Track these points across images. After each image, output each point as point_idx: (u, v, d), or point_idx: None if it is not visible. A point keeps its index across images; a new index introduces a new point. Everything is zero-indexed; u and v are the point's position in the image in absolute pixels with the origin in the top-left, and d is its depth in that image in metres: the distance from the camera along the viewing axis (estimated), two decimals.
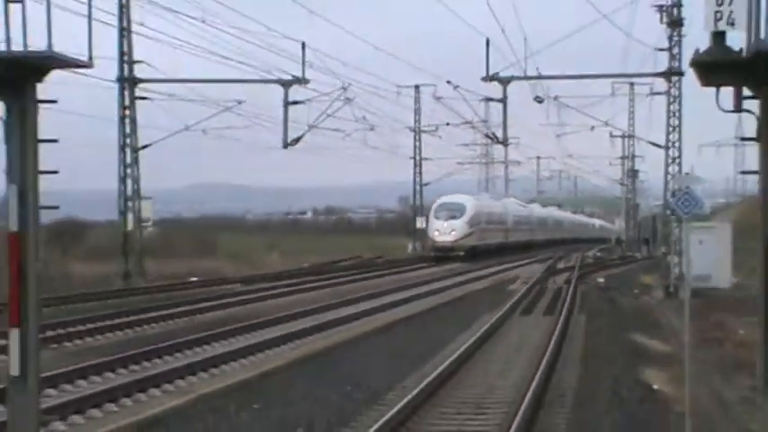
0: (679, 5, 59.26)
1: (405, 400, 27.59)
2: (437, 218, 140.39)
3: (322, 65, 68.70)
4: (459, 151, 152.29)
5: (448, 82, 75.86)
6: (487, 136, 77.02)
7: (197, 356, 37.58)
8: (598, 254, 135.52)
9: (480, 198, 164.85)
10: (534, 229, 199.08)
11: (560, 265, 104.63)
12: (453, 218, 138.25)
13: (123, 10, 61.31)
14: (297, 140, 62.21)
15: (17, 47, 15.78)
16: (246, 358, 38.29)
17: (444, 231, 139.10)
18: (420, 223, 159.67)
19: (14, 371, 16.75)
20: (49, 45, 16.19)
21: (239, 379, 33.51)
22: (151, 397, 30.51)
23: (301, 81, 60.80)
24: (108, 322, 49.88)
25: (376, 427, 24.26)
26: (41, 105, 16.78)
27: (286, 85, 60.57)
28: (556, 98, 69.26)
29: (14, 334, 16.62)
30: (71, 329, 45.61)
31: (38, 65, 16.46)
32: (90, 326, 47.70)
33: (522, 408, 26.44)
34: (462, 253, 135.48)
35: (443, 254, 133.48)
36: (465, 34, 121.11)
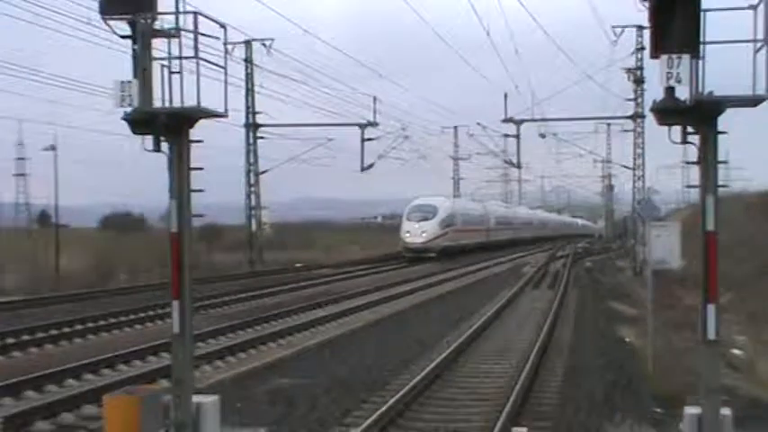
0: (641, 68, 59.24)
1: (455, 345, 27.67)
2: (409, 219, 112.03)
3: (388, 112, 69.42)
4: (486, 173, 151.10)
5: (478, 123, 76.80)
6: (506, 162, 76.95)
7: (300, 320, 37.63)
8: (586, 245, 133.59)
9: (456, 200, 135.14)
10: (519, 228, 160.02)
11: (559, 254, 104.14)
12: (425, 219, 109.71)
13: (248, 77, 61.50)
14: (370, 166, 62.41)
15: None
16: (336, 321, 38.26)
17: (415, 233, 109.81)
18: None
19: (176, 329, 16.86)
20: (198, 102, 16.28)
21: (331, 336, 33.54)
22: (270, 348, 30.61)
23: (373, 124, 60.99)
24: (239, 296, 50.00)
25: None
26: (193, 144, 16.89)
27: (362, 127, 60.75)
28: (555, 134, 69.67)
29: (175, 304, 16.73)
30: (213, 301, 45.80)
31: (190, 116, 16.56)
32: (225, 298, 47.82)
33: (534, 352, 26.49)
34: (434, 254, 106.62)
35: (414, 255, 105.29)
36: (489, 89, 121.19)
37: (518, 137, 59.54)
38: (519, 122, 58.45)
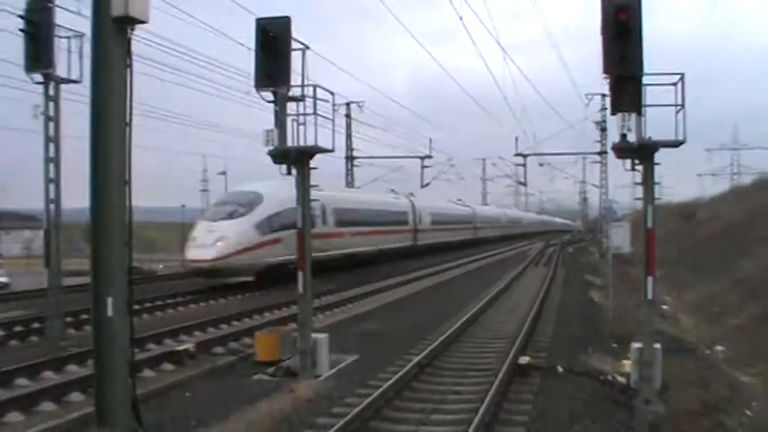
0: (605, 121, 58.84)
1: (482, 302, 27.69)
2: (203, 219, 38.07)
3: (438, 148, 69.43)
4: (503, 189, 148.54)
5: (499, 157, 77.44)
6: (517, 182, 76.22)
7: (382, 284, 37.34)
8: (569, 237, 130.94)
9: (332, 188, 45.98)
10: (480, 227, 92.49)
11: (552, 242, 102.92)
12: (230, 217, 35.62)
13: (348, 126, 61.73)
14: (427, 185, 62.09)
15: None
16: (402, 287, 37.22)
17: (202, 243, 34.25)
18: None
19: (300, 290, 16.97)
20: (315, 142, 16.41)
21: (402, 296, 33.51)
22: (362, 304, 30.56)
23: (429, 156, 60.89)
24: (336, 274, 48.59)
25: (473, 311, 24.56)
26: (312, 170, 17.03)
27: (422, 158, 60.64)
28: (549, 163, 69.07)
29: (300, 275, 16.83)
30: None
31: (310, 152, 16.70)
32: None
33: (534, 308, 26.44)
34: (249, 278, 35.74)
35: (207, 279, 35.12)
36: (505, 133, 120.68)
37: (525, 165, 59.29)
38: (525, 156, 58.26)
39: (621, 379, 16.07)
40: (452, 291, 35.74)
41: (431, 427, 12.73)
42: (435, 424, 12.93)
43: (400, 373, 15.83)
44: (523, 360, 17.19)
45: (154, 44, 28.82)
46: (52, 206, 21.29)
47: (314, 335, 17.22)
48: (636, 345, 15.36)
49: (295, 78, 16.19)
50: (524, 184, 71.57)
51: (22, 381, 15.98)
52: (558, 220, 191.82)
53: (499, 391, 14.46)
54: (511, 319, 25.29)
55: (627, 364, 16.06)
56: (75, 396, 14.85)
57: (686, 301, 34.21)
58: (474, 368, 17.43)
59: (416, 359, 17.37)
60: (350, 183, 61.58)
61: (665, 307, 30.35)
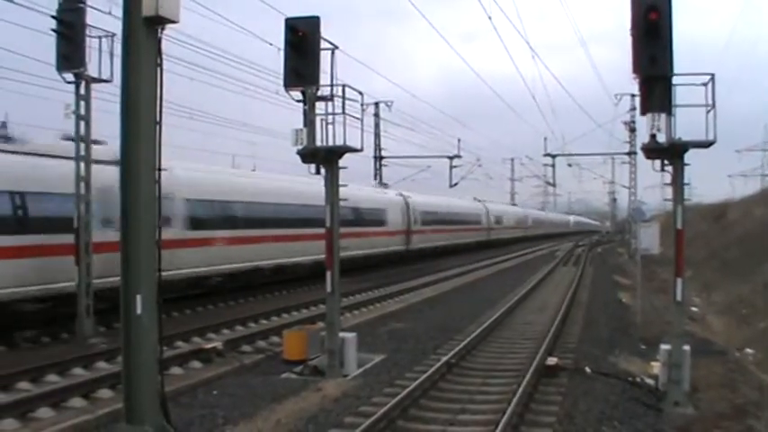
0: (634, 122, 58.46)
1: (510, 302, 27.64)
2: None
3: (467, 148, 69.29)
4: (532, 189, 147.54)
5: (527, 156, 77.32)
6: (546, 182, 75.95)
7: (409, 285, 37.41)
8: (599, 239, 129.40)
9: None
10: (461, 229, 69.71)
11: (581, 243, 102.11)
12: None
13: (376, 125, 61.76)
14: (455, 184, 61.89)
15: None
16: (430, 287, 37.40)
17: None
18: None
19: (329, 289, 17.01)
20: (344, 142, 16.44)
21: (428, 296, 33.51)
22: (389, 303, 30.62)
23: (457, 156, 60.65)
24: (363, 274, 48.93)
25: (501, 311, 24.60)
26: (341, 170, 17.06)
27: (450, 158, 60.41)
28: (578, 164, 68.75)
29: (329, 273, 16.86)
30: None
31: (339, 151, 16.72)
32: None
33: (562, 308, 26.35)
34: None
35: None
36: (534, 134, 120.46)
37: (553, 166, 59.16)
38: (554, 156, 58.11)
39: (650, 381, 15.96)
40: (481, 290, 35.67)
41: (458, 428, 12.70)
42: (463, 424, 12.90)
43: (428, 373, 15.80)
44: (551, 361, 17.11)
45: (185, 44, 28.86)
46: (83, 205, 21.46)
47: (342, 334, 17.24)
48: (665, 346, 15.25)
49: (324, 78, 16.26)
50: (553, 185, 71.46)
51: (52, 377, 16.14)
52: (555, 216, 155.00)
53: (526, 392, 14.41)
54: (539, 319, 25.20)
55: (655, 366, 15.94)
56: (104, 392, 14.96)
57: (715, 303, 33.87)
58: (501, 368, 17.38)
59: (444, 359, 17.35)
60: (378, 183, 61.44)
61: (693, 308, 30.12)
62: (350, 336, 17.39)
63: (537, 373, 16.06)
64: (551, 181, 64.98)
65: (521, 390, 14.19)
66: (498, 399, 14.31)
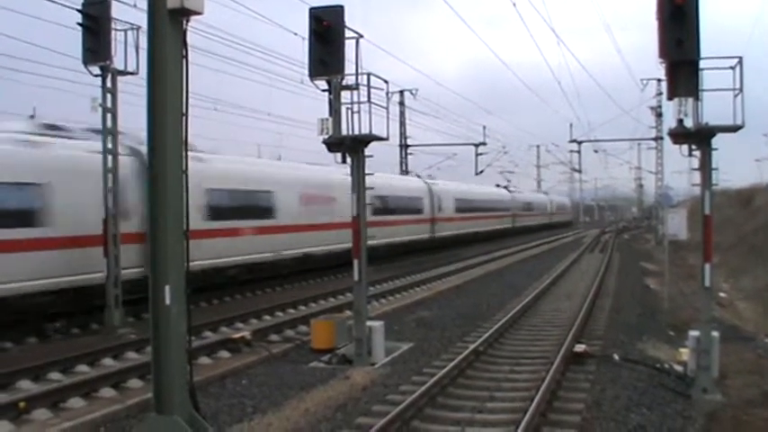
0: (660, 107, 58.26)
1: (537, 290, 27.59)
2: None
3: (492, 135, 68.99)
4: (557, 175, 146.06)
5: (553, 144, 77.03)
6: (571, 169, 75.62)
7: (436, 272, 37.40)
8: (625, 225, 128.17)
9: None
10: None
11: (607, 230, 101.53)
12: None
13: (401, 114, 61.59)
14: (481, 172, 61.74)
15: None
16: (456, 275, 37.28)
17: None
18: None
19: (356, 278, 17.01)
20: (370, 130, 16.43)
21: (455, 284, 33.46)
22: (416, 292, 30.60)
23: (483, 144, 60.45)
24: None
25: (528, 298, 24.53)
26: (366, 159, 17.06)
27: (476, 145, 60.21)
28: (604, 150, 68.49)
29: (356, 262, 16.90)
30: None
31: (365, 140, 16.72)
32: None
33: (590, 295, 26.27)
34: None
35: None
36: (560, 120, 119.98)
37: (579, 152, 58.91)
38: (580, 143, 57.85)
39: (678, 367, 15.86)
40: (507, 278, 35.60)
41: (486, 415, 12.68)
42: (491, 412, 12.88)
43: (455, 361, 15.80)
44: (579, 348, 17.07)
45: (210, 35, 28.92)
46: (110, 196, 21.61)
47: (369, 322, 17.25)
48: (693, 333, 15.16)
49: (349, 67, 16.25)
50: (579, 171, 71.12)
51: (82, 367, 16.31)
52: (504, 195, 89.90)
53: (554, 380, 14.38)
54: (566, 306, 25.15)
55: (684, 353, 15.84)
56: (134, 382, 15.10)
57: (744, 289, 33.64)
58: (529, 356, 17.35)
59: (472, 346, 17.34)
60: (404, 171, 61.36)
61: (722, 294, 29.93)
62: (377, 324, 17.41)
63: (565, 360, 16.02)
64: (577, 167, 64.67)
65: (548, 377, 14.16)
66: (526, 386, 14.29)
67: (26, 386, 14.71)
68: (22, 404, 12.91)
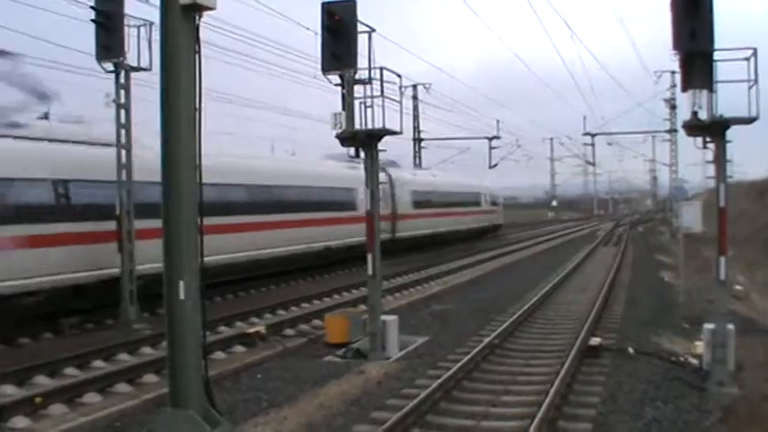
0: (674, 99, 57.68)
1: (551, 283, 27.54)
2: None
3: (506, 128, 68.84)
4: (571, 168, 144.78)
5: (567, 137, 76.83)
6: (585, 162, 75.19)
7: (450, 266, 37.29)
8: (638, 217, 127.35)
9: None
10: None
11: (622, 222, 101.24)
12: None
13: (415, 108, 61.47)
14: (495, 165, 61.43)
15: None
16: (470, 268, 37.12)
17: None
18: (554, 203, 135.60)
19: (370, 272, 17.02)
20: (383, 125, 16.42)
21: (469, 278, 33.43)
22: (429, 285, 30.58)
23: (497, 137, 60.17)
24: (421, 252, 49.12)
25: (543, 291, 24.50)
26: (380, 152, 17.09)
27: (489, 139, 59.91)
28: (618, 143, 68.13)
29: (369, 257, 16.89)
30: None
31: (378, 134, 16.72)
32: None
33: (604, 288, 26.23)
34: None
35: None
36: (573, 112, 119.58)
37: (593, 145, 58.68)
38: (593, 135, 57.66)
39: (694, 360, 15.83)
40: (522, 271, 35.58)
41: (501, 409, 12.68)
42: (506, 405, 12.88)
43: (471, 354, 15.80)
44: (594, 341, 17.04)
45: (222, 30, 28.92)
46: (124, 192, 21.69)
47: (383, 317, 17.27)
48: (708, 325, 15.09)
49: (361, 61, 16.25)
50: (593, 164, 70.88)
51: (98, 363, 16.38)
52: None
53: (569, 373, 14.36)
54: (581, 299, 25.13)
55: (699, 346, 15.81)
56: (149, 377, 15.16)
57: (759, 282, 33.54)
58: (544, 349, 17.34)
59: (486, 340, 17.34)
60: (418, 165, 61.22)
61: (737, 287, 29.78)
62: (391, 318, 17.42)
63: (580, 353, 16.00)
64: (591, 160, 64.42)
65: (564, 371, 14.14)
66: (541, 380, 14.27)
67: (42, 382, 14.76)
68: (38, 400, 12.99)
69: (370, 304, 17.33)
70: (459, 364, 14.92)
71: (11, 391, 14.03)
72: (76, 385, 14.12)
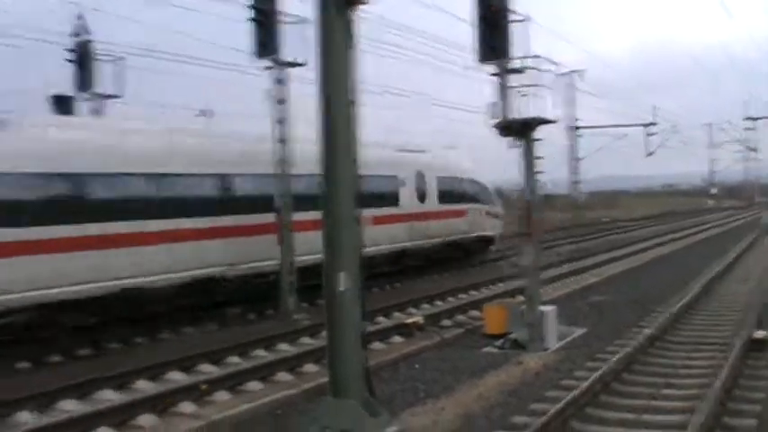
0: None
1: (712, 273, 26.79)
2: None
3: (662, 115, 66.69)
4: (731, 154, 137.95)
5: (728, 121, 74.35)
6: (747, 147, 72.87)
7: (603, 257, 36.65)
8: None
9: None
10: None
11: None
12: None
13: (570, 96, 60.65)
14: (652, 153, 60.20)
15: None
16: (624, 259, 36.37)
17: None
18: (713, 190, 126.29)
19: (527, 263, 16.90)
20: (538, 114, 16.30)
21: (624, 268, 32.71)
22: (584, 276, 30.10)
23: (653, 123, 58.90)
24: (567, 240, 48.37)
25: (703, 282, 23.78)
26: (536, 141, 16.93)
27: (645, 126, 58.82)
28: None
29: (527, 248, 16.73)
30: (550, 244, 41.26)
31: (533, 123, 16.60)
32: (560, 242, 46.22)
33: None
34: None
35: None
36: (732, 98, 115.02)
37: (755, 129, 56.82)
38: (755, 119, 55.79)
39: None
40: (679, 262, 34.63)
41: (662, 402, 12.37)
42: (666, 399, 12.57)
43: (630, 346, 15.50)
44: (759, 334, 16.43)
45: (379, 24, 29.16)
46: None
47: (542, 307, 17.14)
48: None
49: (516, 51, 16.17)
50: (755, 150, 68.55)
51: (259, 352, 16.89)
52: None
53: (733, 366, 13.89)
54: (743, 290, 24.32)
55: None
56: (309, 367, 15.47)
57: None
58: (706, 341, 16.84)
59: (647, 331, 16.98)
60: (574, 153, 60.45)
61: None
62: (550, 309, 17.27)
63: (744, 346, 15.47)
64: (753, 146, 62.33)
65: (727, 364, 13.70)
66: (703, 373, 13.87)
67: (207, 369, 15.32)
68: (203, 386, 13.46)
69: (528, 295, 17.24)
70: (618, 356, 14.64)
71: (178, 377, 14.71)
72: (239, 373, 14.56)
